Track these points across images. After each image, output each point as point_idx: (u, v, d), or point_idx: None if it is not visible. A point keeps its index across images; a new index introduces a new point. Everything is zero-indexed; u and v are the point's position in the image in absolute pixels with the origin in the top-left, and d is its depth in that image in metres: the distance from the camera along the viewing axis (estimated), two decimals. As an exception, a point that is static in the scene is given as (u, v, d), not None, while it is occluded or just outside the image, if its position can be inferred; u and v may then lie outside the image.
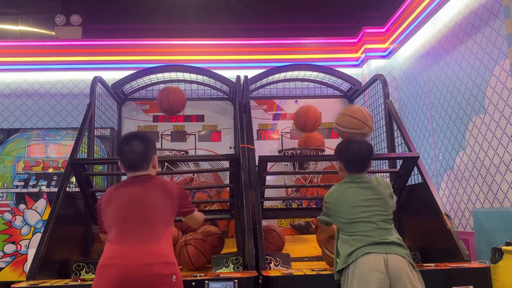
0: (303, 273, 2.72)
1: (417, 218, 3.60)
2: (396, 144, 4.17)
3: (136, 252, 1.99)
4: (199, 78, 5.14)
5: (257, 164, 3.68)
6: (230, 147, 5.06)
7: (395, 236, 2.34)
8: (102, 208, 2.26)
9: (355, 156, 2.50)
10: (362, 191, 2.43)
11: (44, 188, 5.55)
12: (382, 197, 2.43)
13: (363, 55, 6.03)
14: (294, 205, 5.04)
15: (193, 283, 2.56)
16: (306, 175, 4.77)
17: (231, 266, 3.17)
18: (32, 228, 5.44)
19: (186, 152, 4.78)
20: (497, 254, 3.07)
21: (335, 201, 2.47)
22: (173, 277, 2.01)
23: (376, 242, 2.27)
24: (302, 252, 4.17)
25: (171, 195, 2.26)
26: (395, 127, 4.13)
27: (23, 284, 2.68)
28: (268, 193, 4.20)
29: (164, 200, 2.23)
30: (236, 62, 6.07)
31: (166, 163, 4.22)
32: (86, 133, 3.98)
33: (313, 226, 4.91)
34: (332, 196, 2.50)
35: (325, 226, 2.67)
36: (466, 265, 2.87)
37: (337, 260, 2.41)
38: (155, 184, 2.27)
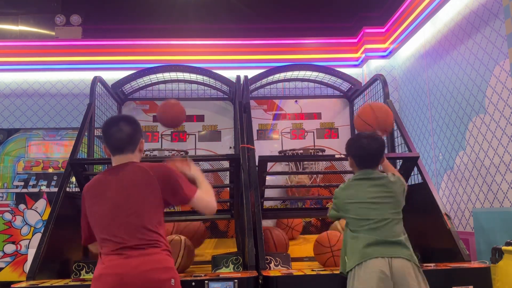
0: (303, 273, 2.72)
1: (417, 218, 3.60)
2: (396, 144, 4.17)
3: (133, 260, 1.95)
4: (199, 78, 5.14)
5: (257, 164, 3.68)
6: (230, 147, 5.05)
7: (401, 236, 2.34)
8: (85, 208, 2.13)
9: (365, 152, 2.46)
10: (372, 188, 2.41)
11: (44, 188, 5.55)
12: (394, 195, 2.41)
13: (363, 55, 6.03)
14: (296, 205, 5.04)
15: (193, 283, 2.56)
16: (309, 175, 4.77)
17: (231, 266, 3.17)
18: (32, 228, 5.44)
19: (186, 152, 4.79)
20: (497, 254, 3.07)
21: (344, 197, 2.46)
22: (171, 281, 1.99)
23: (381, 241, 2.28)
24: (302, 252, 4.18)
25: (152, 184, 2.07)
26: (395, 127, 4.13)
27: (23, 284, 2.67)
28: (268, 193, 4.20)
29: (147, 195, 2.06)
30: (236, 62, 6.07)
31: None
32: (86, 133, 3.98)
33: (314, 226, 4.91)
34: (342, 192, 2.49)
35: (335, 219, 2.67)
36: (466, 265, 2.87)
37: (346, 258, 2.40)
38: (134, 176, 2.08)
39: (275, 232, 3.98)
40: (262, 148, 4.96)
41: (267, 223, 4.64)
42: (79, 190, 3.59)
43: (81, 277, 3.17)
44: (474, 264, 2.90)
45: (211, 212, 2.21)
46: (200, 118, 5.15)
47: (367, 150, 2.45)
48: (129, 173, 2.10)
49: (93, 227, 2.10)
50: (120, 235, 1.99)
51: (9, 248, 5.38)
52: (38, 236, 5.00)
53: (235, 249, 4.18)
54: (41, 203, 5.51)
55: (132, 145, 2.17)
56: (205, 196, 2.19)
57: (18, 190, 5.52)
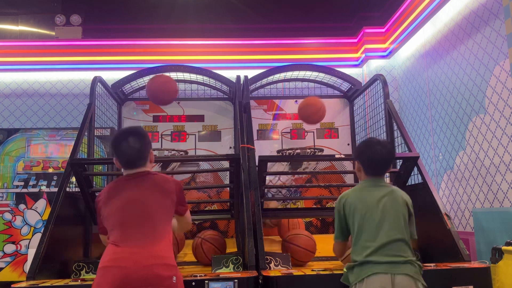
0: (303, 273, 2.72)
1: (417, 218, 3.60)
2: (396, 144, 4.17)
3: (137, 254, 2.00)
4: (199, 78, 5.14)
5: (257, 164, 3.68)
6: (230, 147, 5.06)
7: (407, 253, 2.22)
8: (100, 207, 2.23)
9: (375, 159, 2.36)
10: (377, 198, 2.30)
11: (44, 188, 5.54)
12: (399, 208, 2.30)
13: (363, 55, 6.03)
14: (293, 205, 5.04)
15: (193, 283, 2.56)
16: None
17: (231, 266, 3.17)
18: (32, 228, 5.44)
19: (186, 152, 4.79)
20: (497, 254, 3.07)
21: (349, 204, 2.33)
22: (173, 279, 2.02)
23: (386, 256, 2.17)
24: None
25: (169, 192, 2.23)
26: (395, 127, 4.13)
27: (23, 284, 2.68)
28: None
29: (162, 198, 2.21)
30: (236, 62, 6.07)
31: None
32: (86, 133, 3.99)
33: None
34: (344, 200, 2.37)
35: (341, 242, 2.46)
36: (466, 265, 2.87)
37: (345, 269, 2.35)
38: (153, 181, 2.23)
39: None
40: (262, 148, 4.96)
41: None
42: (79, 190, 3.59)
43: (81, 277, 3.18)
44: (474, 264, 2.90)
45: (188, 229, 2.64)
46: (200, 118, 5.15)
47: (378, 157, 2.36)
48: (151, 179, 2.23)
49: (106, 224, 2.19)
50: (128, 229, 2.08)
51: (9, 248, 5.38)
52: (38, 236, 5.00)
53: (235, 249, 4.18)
54: (41, 203, 5.51)
55: (143, 159, 2.27)
56: (189, 216, 2.47)
57: (18, 190, 5.51)
